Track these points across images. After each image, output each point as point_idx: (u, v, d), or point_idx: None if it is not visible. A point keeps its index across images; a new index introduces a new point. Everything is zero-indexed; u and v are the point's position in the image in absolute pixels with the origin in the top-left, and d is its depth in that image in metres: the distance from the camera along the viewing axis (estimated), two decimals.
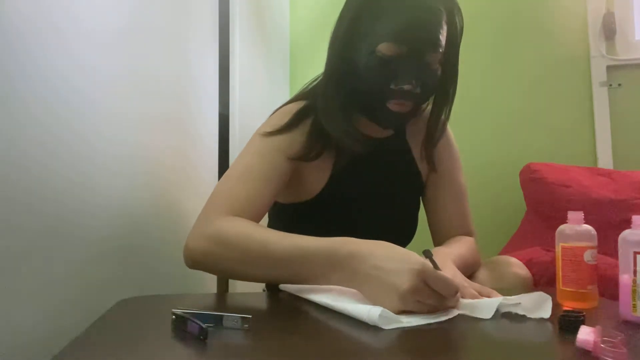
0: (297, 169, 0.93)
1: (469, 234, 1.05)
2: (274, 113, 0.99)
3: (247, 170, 0.86)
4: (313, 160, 0.92)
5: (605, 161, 1.89)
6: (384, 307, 0.62)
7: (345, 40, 0.89)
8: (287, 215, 0.99)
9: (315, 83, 0.99)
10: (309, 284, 0.72)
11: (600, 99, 1.92)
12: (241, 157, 0.90)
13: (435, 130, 1.00)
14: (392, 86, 0.85)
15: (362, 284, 0.67)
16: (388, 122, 0.91)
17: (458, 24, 0.90)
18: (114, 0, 0.86)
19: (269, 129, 0.90)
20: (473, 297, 0.71)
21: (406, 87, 0.85)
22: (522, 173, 1.78)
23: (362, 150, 0.91)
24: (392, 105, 0.87)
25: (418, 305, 0.63)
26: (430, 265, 0.65)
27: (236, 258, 0.75)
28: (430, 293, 0.64)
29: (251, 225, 0.78)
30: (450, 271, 0.77)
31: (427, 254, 0.67)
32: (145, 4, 0.97)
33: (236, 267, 0.75)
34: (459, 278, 0.77)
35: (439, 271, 0.65)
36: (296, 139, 0.91)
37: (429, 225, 1.08)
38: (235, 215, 0.80)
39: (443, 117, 0.99)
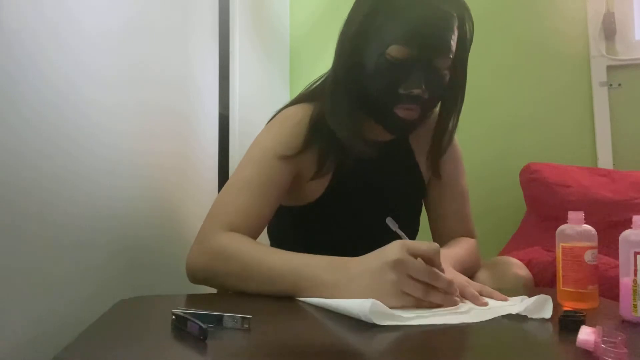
0: (299, 173, 0.92)
1: (470, 236, 1.04)
2: (275, 116, 0.97)
3: (246, 182, 0.85)
4: (324, 176, 0.92)
5: (605, 161, 1.88)
6: (381, 288, 0.64)
7: (355, 42, 0.88)
8: (288, 218, 0.99)
9: (318, 84, 0.98)
10: (304, 296, 0.73)
11: (600, 99, 1.92)
12: (241, 167, 0.89)
13: (443, 138, 0.98)
14: (401, 90, 0.84)
15: (354, 283, 0.68)
16: (396, 127, 0.90)
17: (468, 31, 0.90)
18: (112, 1, 0.85)
19: (279, 149, 0.88)
20: (473, 296, 0.71)
21: (415, 91, 0.83)
22: (522, 173, 1.78)
23: (367, 152, 0.90)
24: (400, 111, 0.86)
25: (411, 284, 0.64)
26: (409, 240, 0.70)
27: (234, 274, 0.76)
28: (418, 265, 0.65)
29: (247, 241, 0.79)
30: (450, 273, 0.78)
31: (391, 223, 0.76)
32: (144, 4, 0.97)
33: (234, 283, 0.77)
34: (459, 279, 0.77)
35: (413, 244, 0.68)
36: (308, 160, 0.91)
37: (430, 227, 1.07)
38: (234, 230, 0.80)
39: (451, 124, 0.97)
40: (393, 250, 0.66)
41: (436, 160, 1.01)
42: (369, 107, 0.90)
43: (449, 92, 0.93)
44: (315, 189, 0.94)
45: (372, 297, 0.64)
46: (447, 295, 0.67)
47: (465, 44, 0.90)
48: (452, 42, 0.84)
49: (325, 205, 0.95)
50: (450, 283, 0.67)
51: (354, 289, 0.67)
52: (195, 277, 0.80)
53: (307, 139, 0.90)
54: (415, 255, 0.67)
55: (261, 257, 0.76)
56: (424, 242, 0.68)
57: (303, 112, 0.93)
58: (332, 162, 0.93)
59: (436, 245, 0.68)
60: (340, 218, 0.96)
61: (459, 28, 0.86)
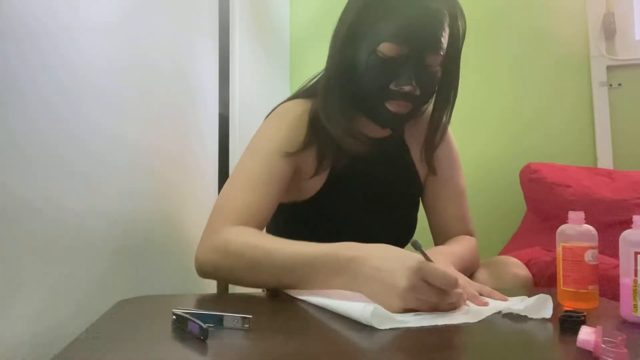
0: (298, 169, 0.93)
1: (468, 234, 1.05)
2: (273, 111, 0.98)
3: (251, 177, 0.86)
4: (322, 173, 0.93)
5: (605, 161, 1.89)
6: (386, 306, 0.62)
7: (347, 40, 0.89)
8: (285, 215, 0.99)
9: (313, 82, 0.99)
10: (313, 289, 0.72)
11: (600, 99, 1.92)
12: (244, 161, 0.90)
13: (435, 134, 0.99)
14: (392, 87, 0.86)
15: (363, 286, 0.67)
16: (387, 121, 0.91)
17: (460, 28, 0.90)
18: (112, 1, 0.86)
19: (280, 144, 0.89)
20: (473, 296, 0.71)
21: (406, 88, 0.85)
22: (522, 173, 1.78)
23: (362, 149, 0.91)
24: (391, 105, 0.87)
25: (419, 302, 0.63)
26: (427, 262, 0.65)
27: (243, 268, 0.76)
28: (430, 289, 0.64)
29: (256, 234, 0.80)
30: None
31: (416, 245, 0.67)
32: (144, 4, 0.97)
33: (244, 276, 0.77)
34: (460, 279, 0.77)
35: (435, 265, 0.65)
36: (308, 157, 0.92)
37: (430, 226, 1.08)
38: (241, 224, 0.81)
39: (444, 120, 0.98)
40: (405, 276, 0.63)
41: (430, 154, 1.02)
42: (360, 104, 0.92)
43: (442, 88, 0.94)
44: (313, 185, 0.95)
45: (377, 301, 0.65)
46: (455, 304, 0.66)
47: (457, 40, 0.91)
48: (442, 39, 0.85)
49: (322, 201, 0.95)
50: (459, 296, 0.65)
51: (361, 289, 0.67)
52: (204, 272, 0.80)
53: (308, 135, 0.91)
54: (429, 282, 0.64)
55: (271, 250, 0.75)
56: (442, 273, 0.64)
57: (302, 107, 0.94)
58: (330, 158, 0.94)
59: (455, 278, 0.64)
60: (336, 214, 0.96)
61: (450, 25, 0.87)
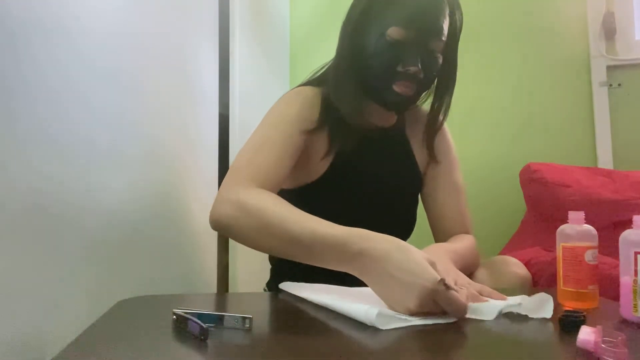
0: (307, 146, 0.96)
1: (466, 231, 1.06)
2: (285, 94, 1.00)
3: (266, 141, 0.90)
4: (332, 155, 0.96)
5: (605, 161, 1.88)
6: (389, 307, 0.63)
7: (358, 25, 0.95)
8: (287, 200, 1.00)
9: (324, 70, 1.03)
10: (321, 266, 0.73)
11: (600, 99, 1.92)
12: (258, 130, 0.94)
13: (437, 118, 1.05)
14: (399, 68, 0.91)
15: (373, 282, 0.67)
16: (393, 102, 0.95)
17: (458, 20, 0.98)
18: (113, 2, 0.86)
19: (294, 116, 0.93)
20: (474, 297, 0.71)
21: (412, 69, 0.90)
22: (522, 173, 1.78)
23: (369, 130, 0.96)
24: (398, 87, 0.92)
25: (423, 312, 0.63)
26: (443, 289, 0.62)
27: (255, 228, 0.77)
28: (437, 307, 0.63)
29: (273, 198, 0.81)
30: (452, 273, 0.78)
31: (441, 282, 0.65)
32: (144, 4, 0.97)
33: (254, 237, 0.78)
34: (460, 280, 0.77)
35: (450, 293, 0.62)
36: (318, 139, 0.96)
37: (429, 220, 1.09)
38: (257, 183, 0.84)
39: (444, 107, 1.03)
40: (417, 295, 0.62)
41: (431, 138, 1.07)
42: (369, 86, 0.96)
43: (442, 76, 1.00)
44: (317, 168, 0.97)
45: (382, 298, 0.65)
46: None
47: (455, 30, 0.98)
48: (444, 26, 0.92)
49: (325, 185, 0.97)
50: (465, 310, 0.64)
51: (367, 282, 0.68)
52: (220, 224, 0.81)
53: (321, 115, 0.96)
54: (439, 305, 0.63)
55: (287, 218, 0.75)
56: (454, 302, 0.62)
57: (313, 90, 0.99)
58: (339, 141, 0.97)
59: (464, 308, 0.63)
60: (338, 198, 0.98)
61: (450, 15, 0.95)
